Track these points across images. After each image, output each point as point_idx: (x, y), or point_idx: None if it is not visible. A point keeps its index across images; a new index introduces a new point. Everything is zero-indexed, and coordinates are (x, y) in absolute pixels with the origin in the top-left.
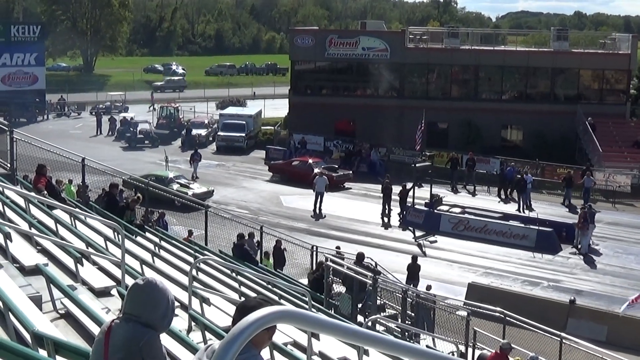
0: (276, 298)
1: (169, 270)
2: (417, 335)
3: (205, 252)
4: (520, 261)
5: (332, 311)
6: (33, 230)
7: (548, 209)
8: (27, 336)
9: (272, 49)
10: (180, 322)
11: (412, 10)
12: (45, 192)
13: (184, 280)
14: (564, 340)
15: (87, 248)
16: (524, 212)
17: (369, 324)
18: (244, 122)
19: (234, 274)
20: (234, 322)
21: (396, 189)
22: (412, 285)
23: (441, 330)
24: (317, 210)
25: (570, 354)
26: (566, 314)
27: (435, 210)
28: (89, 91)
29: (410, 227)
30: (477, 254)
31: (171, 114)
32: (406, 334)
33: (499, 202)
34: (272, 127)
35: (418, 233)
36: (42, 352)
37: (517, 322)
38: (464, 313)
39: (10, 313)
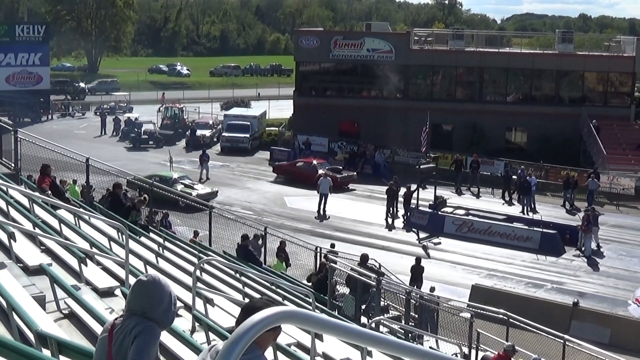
0: (280, 299)
1: (173, 271)
2: (420, 337)
3: (209, 253)
4: (524, 263)
5: (336, 312)
6: (37, 230)
7: (552, 211)
8: (31, 336)
9: (276, 50)
10: (184, 322)
11: (417, 12)
12: (49, 192)
13: (188, 280)
14: (567, 343)
15: (91, 248)
16: (527, 214)
17: (373, 325)
18: (249, 123)
19: (237, 275)
20: (238, 323)
21: (400, 191)
22: (415, 287)
23: (444, 331)
24: (321, 212)
25: (573, 356)
26: (569, 316)
27: (440, 212)
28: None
29: (414, 229)
30: (481, 255)
31: (175, 114)
32: (409, 335)
33: (503, 204)
34: (277, 128)
35: (422, 235)
36: (46, 352)
37: (521, 324)
38: (467, 315)
39: (14, 313)
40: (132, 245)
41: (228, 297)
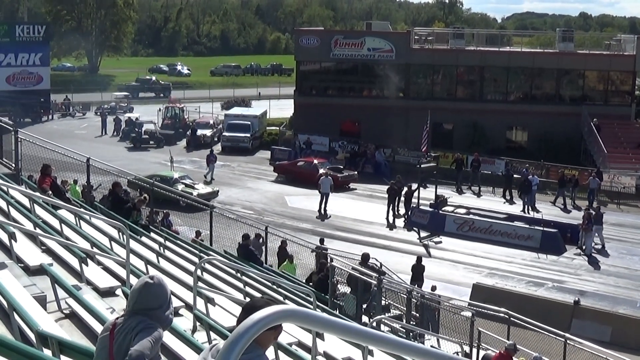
0: (281, 298)
1: (174, 270)
2: (421, 336)
3: (210, 253)
4: (525, 262)
5: (337, 312)
6: (38, 230)
7: (553, 210)
8: (32, 336)
9: (277, 50)
10: (185, 322)
11: (417, 11)
12: (50, 192)
13: (189, 280)
14: (568, 341)
15: (92, 248)
16: (528, 213)
17: (374, 324)
18: (249, 123)
19: (238, 274)
20: (239, 322)
21: (403, 190)
22: (416, 286)
23: (446, 330)
24: (322, 211)
25: (574, 355)
26: (570, 314)
27: (440, 211)
28: (94, 91)
29: (415, 228)
30: (482, 254)
31: (176, 114)
32: (411, 334)
33: (503, 203)
34: (277, 128)
35: (423, 234)
36: (47, 352)
37: (522, 323)
38: (468, 313)
39: (14, 313)
40: (133, 245)
41: (229, 297)
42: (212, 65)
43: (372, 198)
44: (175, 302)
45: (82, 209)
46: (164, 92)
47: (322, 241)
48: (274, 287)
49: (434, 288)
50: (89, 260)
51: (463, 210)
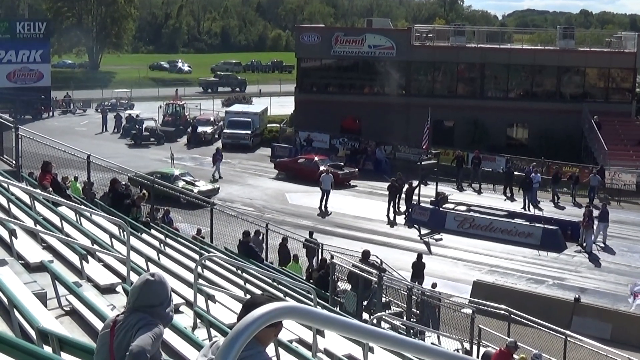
0: (281, 295)
1: (174, 267)
2: (422, 333)
3: (211, 250)
4: (526, 259)
5: (338, 309)
6: (38, 227)
7: (553, 207)
8: (32, 333)
9: (278, 47)
10: (185, 319)
11: (418, 8)
12: (51, 189)
13: (190, 277)
14: (568, 338)
15: (93, 245)
16: (529, 210)
17: (374, 321)
18: (250, 120)
19: (239, 271)
20: (239, 319)
21: (404, 187)
22: (417, 283)
23: (446, 327)
24: (323, 208)
25: (574, 352)
26: (571, 311)
27: (441, 208)
28: (94, 88)
29: (415, 225)
30: (483, 251)
31: (177, 111)
32: (411, 331)
33: (504, 200)
34: (278, 125)
35: (423, 231)
36: (47, 349)
37: (522, 320)
38: (469, 311)
39: (15, 309)
40: (134, 242)
41: (229, 294)
42: (213, 62)
43: (372, 195)
44: (176, 299)
45: (82, 206)
46: (240, 86)
47: (311, 234)
48: (275, 284)
49: (434, 285)
50: (89, 257)
51: (463, 208)
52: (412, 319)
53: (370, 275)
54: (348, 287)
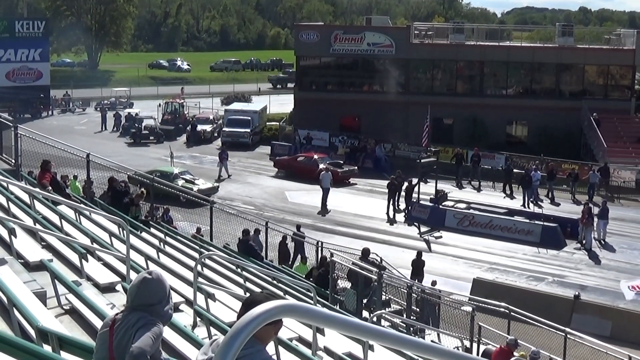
0: (281, 294)
1: (174, 266)
2: (422, 331)
3: (210, 248)
4: (525, 256)
5: (337, 307)
6: (38, 226)
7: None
8: (32, 332)
9: (277, 45)
10: (185, 317)
11: (417, 6)
12: (50, 187)
13: (189, 275)
14: (568, 335)
15: (92, 244)
16: (528, 207)
17: (374, 319)
18: (249, 118)
19: (239, 270)
20: (239, 317)
21: (403, 185)
22: (417, 281)
23: (446, 325)
24: (322, 206)
25: (574, 349)
26: (571, 309)
27: (441, 206)
28: (93, 87)
29: (415, 223)
30: (482, 249)
31: (176, 109)
32: (411, 329)
33: (504, 197)
34: (277, 123)
35: (423, 229)
36: (47, 348)
37: (522, 318)
38: (468, 308)
39: (14, 309)
40: (133, 240)
41: (229, 292)
42: (212, 61)
43: (372, 193)
44: (176, 298)
45: (81, 205)
46: None
47: (298, 227)
48: (275, 282)
49: (434, 283)
50: (89, 256)
51: (463, 205)
52: (412, 317)
53: (370, 273)
54: (348, 285)
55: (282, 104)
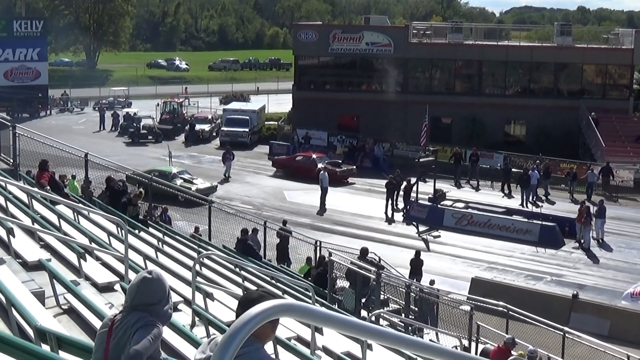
0: (280, 293)
1: (173, 265)
2: (420, 330)
3: (209, 247)
4: (524, 256)
5: (336, 306)
6: (36, 226)
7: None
8: (30, 331)
9: (275, 44)
10: (184, 317)
11: (415, 5)
12: (48, 187)
13: (188, 275)
14: (566, 335)
15: (91, 243)
16: (527, 206)
17: (373, 318)
18: (248, 118)
19: (237, 269)
20: (237, 315)
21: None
22: (415, 280)
23: (444, 324)
24: (323, 206)
25: (573, 348)
26: (569, 308)
27: (439, 205)
28: (92, 86)
29: (413, 222)
30: (481, 248)
31: (174, 109)
32: (410, 328)
33: (502, 196)
34: (276, 123)
35: (421, 228)
36: (45, 347)
37: (520, 317)
38: (467, 307)
39: (13, 308)
40: (132, 240)
41: (228, 292)
42: (211, 60)
43: (370, 192)
44: (174, 297)
45: (80, 204)
46: None
47: (284, 223)
48: (273, 281)
49: (432, 282)
50: (87, 255)
51: (462, 205)
52: (410, 316)
53: (369, 272)
54: (346, 284)
55: (281, 103)
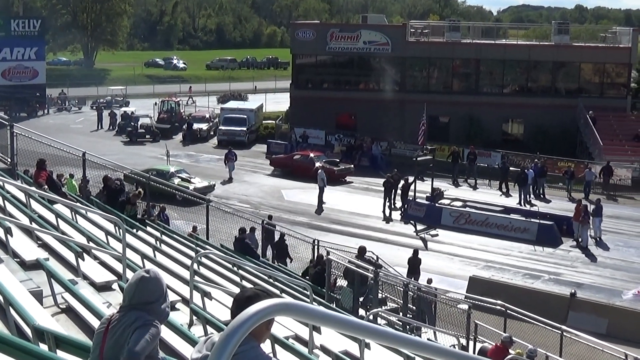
0: (278, 292)
1: (170, 264)
2: (418, 329)
3: (207, 246)
4: (521, 254)
5: (334, 305)
6: (34, 225)
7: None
8: (28, 331)
9: (273, 43)
10: (181, 316)
11: (413, 4)
12: (46, 186)
13: (186, 274)
14: (564, 333)
15: (88, 242)
16: (524, 205)
17: (371, 317)
18: (245, 116)
19: (235, 268)
20: (232, 314)
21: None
22: (413, 279)
23: (442, 323)
24: (321, 204)
25: (570, 347)
26: (567, 306)
27: (437, 204)
28: (89, 85)
29: (411, 221)
30: (478, 247)
31: (172, 108)
32: (407, 327)
33: (500, 195)
34: (274, 121)
35: (419, 227)
36: (43, 347)
37: (518, 315)
38: (465, 306)
39: (11, 308)
40: (129, 239)
41: (225, 291)
42: (208, 59)
43: (368, 191)
44: (172, 296)
45: (77, 204)
46: None
47: (270, 217)
48: (271, 280)
49: (430, 281)
50: (85, 254)
51: (459, 203)
52: (408, 315)
53: (367, 271)
54: (344, 283)
55: (278, 102)
